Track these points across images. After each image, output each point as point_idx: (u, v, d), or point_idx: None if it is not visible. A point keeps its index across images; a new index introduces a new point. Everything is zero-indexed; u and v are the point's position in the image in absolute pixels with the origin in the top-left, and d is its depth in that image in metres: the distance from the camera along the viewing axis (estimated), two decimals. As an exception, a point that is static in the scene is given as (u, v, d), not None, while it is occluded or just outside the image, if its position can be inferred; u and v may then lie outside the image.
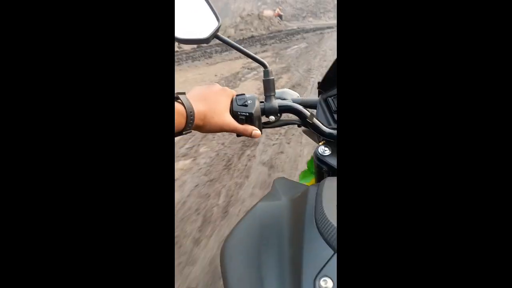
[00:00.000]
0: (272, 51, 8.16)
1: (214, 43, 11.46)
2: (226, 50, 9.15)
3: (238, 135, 0.54)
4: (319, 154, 0.56)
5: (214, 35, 0.54)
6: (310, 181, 0.71)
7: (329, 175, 0.55)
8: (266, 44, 9.55)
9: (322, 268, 0.30)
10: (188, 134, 0.48)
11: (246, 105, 0.53)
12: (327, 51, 7.48)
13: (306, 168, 0.78)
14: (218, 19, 0.55)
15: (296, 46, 8.85)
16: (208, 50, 9.26)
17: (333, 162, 0.54)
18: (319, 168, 0.57)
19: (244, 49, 0.56)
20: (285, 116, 0.59)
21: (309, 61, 6.36)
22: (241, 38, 11.55)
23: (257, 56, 0.56)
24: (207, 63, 7.12)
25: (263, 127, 0.57)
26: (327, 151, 0.56)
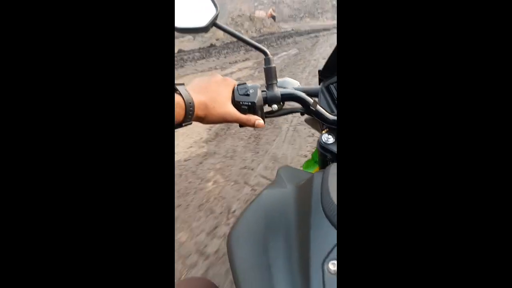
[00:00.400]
0: (255, 60, 6.76)
1: (196, 47, 10.16)
2: (203, 58, 7.88)
3: (241, 125, 0.52)
4: (322, 142, 0.54)
5: (213, 23, 0.53)
6: (314, 170, 0.67)
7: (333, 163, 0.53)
8: (251, 50, 8.19)
9: (330, 252, 0.30)
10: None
11: (248, 95, 0.51)
12: (319, 60, 6.15)
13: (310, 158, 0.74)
14: (216, 7, 0.53)
15: (284, 53, 7.58)
16: (186, 57, 7.95)
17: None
18: (323, 156, 0.55)
19: (243, 37, 0.54)
20: (287, 105, 0.57)
21: (295, 75, 5.04)
22: (228, 41, 10.42)
23: (256, 43, 0.54)
24: (172, 76, 5.85)
25: (266, 117, 0.54)
26: (331, 139, 0.54)
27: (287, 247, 0.34)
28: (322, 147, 0.55)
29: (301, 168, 0.70)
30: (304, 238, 0.33)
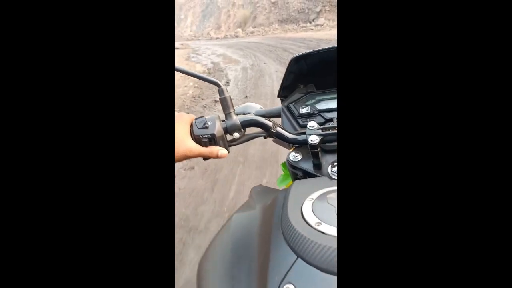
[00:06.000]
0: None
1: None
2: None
3: (205, 158, 0.53)
4: (291, 161, 0.56)
5: None
6: (287, 185, 0.68)
7: None
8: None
9: (286, 275, 0.30)
10: None
11: (207, 127, 0.52)
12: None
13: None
14: None
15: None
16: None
17: (306, 166, 0.54)
18: (293, 174, 0.57)
19: (193, 72, 0.56)
20: (249, 131, 0.59)
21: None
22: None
23: (207, 77, 0.56)
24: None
25: (230, 145, 0.56)
26: (299, 156, 0.56)
27: (249, 275, 0.34)
28: (291, 165, 0.56)
29: (276, 182, 0.72)
30: (264, 262, 0.33)
